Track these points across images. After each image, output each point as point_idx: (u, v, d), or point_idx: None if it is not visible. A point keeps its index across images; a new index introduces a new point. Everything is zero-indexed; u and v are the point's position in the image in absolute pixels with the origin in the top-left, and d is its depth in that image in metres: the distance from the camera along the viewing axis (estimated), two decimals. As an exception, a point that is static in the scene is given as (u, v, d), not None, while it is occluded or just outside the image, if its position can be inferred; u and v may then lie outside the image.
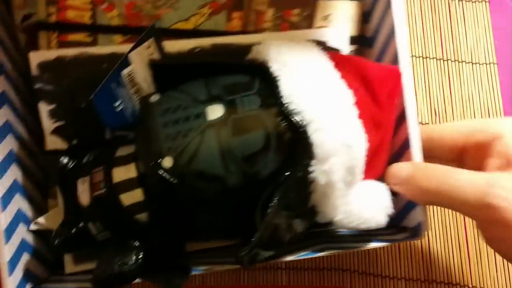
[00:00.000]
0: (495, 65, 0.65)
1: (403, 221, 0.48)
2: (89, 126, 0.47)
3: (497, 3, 0.68)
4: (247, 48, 0.46)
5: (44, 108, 0.48)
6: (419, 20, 0.67)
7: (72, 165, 0.45)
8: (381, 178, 0.45)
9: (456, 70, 0.65)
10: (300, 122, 0.39)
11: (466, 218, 0.59)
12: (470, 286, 0.57)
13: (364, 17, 0.55)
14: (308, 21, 0.52)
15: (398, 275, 0.57)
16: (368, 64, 0.45)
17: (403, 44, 0.47)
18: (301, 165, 0.39)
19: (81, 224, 0.43)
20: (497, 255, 0.58)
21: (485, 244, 0.58)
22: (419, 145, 0.45)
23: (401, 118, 0.46)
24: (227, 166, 0.39)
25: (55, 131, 0.48)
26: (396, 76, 0.46)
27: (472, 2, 0.67)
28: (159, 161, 0.39)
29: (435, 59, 0.65)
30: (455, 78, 0.65)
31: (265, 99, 0.41)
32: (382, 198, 0.44)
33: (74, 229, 0.43)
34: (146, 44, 0.44)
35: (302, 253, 0.44)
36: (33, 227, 0.47)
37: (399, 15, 0.47)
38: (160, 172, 0.39)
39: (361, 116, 0.41)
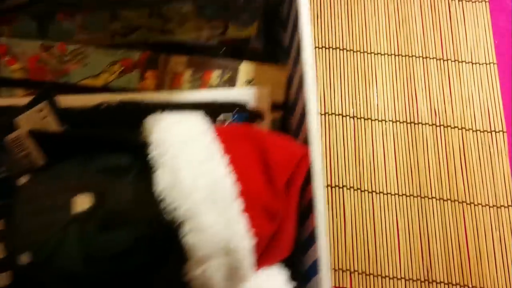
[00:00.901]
0: (495, 65, 0.65)
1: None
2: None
3: (497, 3, 0.68)
4: (154, 106, 0.43)
5: None
6: (419, 20, 0.67)
7: None
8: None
9: (456, 70, 0.65)
10: (174, 221, 0.35)
11: (466, 218, 0.59)
12: (470, 286, 0.57)
13: (288, 83, 0.51)
14: (229, 84, 0.49)
15: (398, 275, 0.57)
16: (274, 144, 0.42)
17: (313, 118, 0.42)
18: (174, 268, 0.36)
19: None
20: (497, 255, 0.58)
21: (485, 244, 0.58)
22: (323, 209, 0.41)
23: (307, 181, 0.42)
24: (89, 265, 0.35)
25: None
26: (302, 160, 0.42)
27: (472, 2, 0.67)
28: (17, 256, 0.36)
29: (435, 59, 0.65)
30: (455, 78, 0.65)
31: (139, 190, 0.37)
32: (279, 286, 0.40)
33: None
34: (38, 107, 0.41)
35: None
36: None
37: (311, 89, 0.43)
38: (19, 265, 0.36)
39: (249, 208, 0.37)
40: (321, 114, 0.63)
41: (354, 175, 0.60)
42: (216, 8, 0.48)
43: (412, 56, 0.65)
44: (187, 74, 0.48)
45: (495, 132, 0.63)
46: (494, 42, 0.66)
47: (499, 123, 0.63)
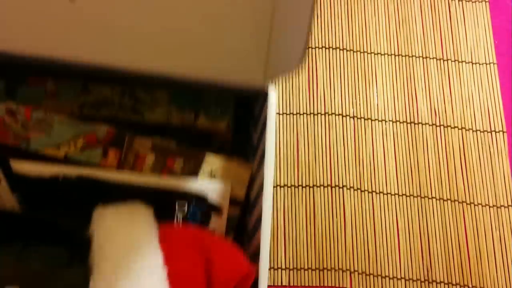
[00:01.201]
0: (495, 65, 0.65)
1: None
2: None
3: (497, 3, 0.68)
4: (114, 186, 0.43)
5: None
6: (419, 20, 0.67)
7: None
8: None
9: (456, 70, 0.65)
10: None
11: (466, 218, 0.59)
12: (470, 286, 0.57)
13: (250, 181, 0.50)
14: (191, 174, 0.48)
15: (398, 275, 0.57)
16: (221, 257, 0.40)
17: (266, 229, 0.41)
18: None
19: None
20: (497, 255, 0.58)
21: (485, 244, 0.58)
22: None
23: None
24: None
25: None
26: (246, 278, 0.41)
27: (472, 2, 0.67)
28: None
29: (435, 59, 0.65)
30: (455, 78, 0.65)
31: None
32: None
33: None
34: None
35: None
36: None
37: (267, 197, 0.41)
38: None
39: None
40: (321, 114, 0.63)
41: (354, 175, 0.60)
42: (189, 98, 0.48)
43: (412, 56, 0.65)
44: (150, 158, 0.47)
45: (495, 132, 0.63)
46: (494, 42, 0.66)
47: (499, 123, 0.63)
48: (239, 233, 0.47)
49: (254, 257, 0.40)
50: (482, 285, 0.57)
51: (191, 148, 0.47)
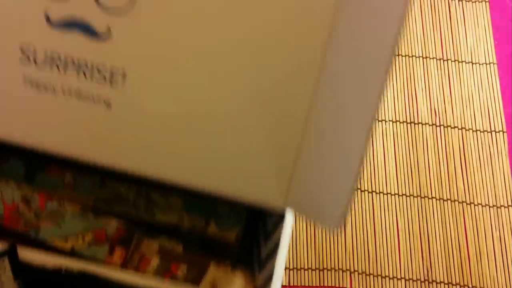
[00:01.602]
0: (495, 65, 0.65)
1: None
2: None
3: (497, 3, 0.68)
4: (115, 285, 0.43)
5: None
6: (419, 20, 0.67)
7: None
8: None
9: (456, 70, 0.65)
10: None
11: (466, 218, 0.59)
12: (470, 286, 0.57)
13: None
14: (192, 282, 0.47)
15: (398, 275, 0.57)
16: None
17: None
18: None
19: None
20: (497, 255, 0.58)
21: (485, 244, 0.58)
22: None
23: None
24: None
25: None
26: None
27: (472, 2, 0.67)
28: None
29: (435, 59, 0.65)
30: (455, 78, 0.65)
31: None
32: None
33: None
34: None
35: None
36: None
37: None
38: None
39: None
40: (321, 114, 0.63)
41: (354, 175, 0.60)
42: (202, 205, 0.48)
43: (412, 56, 0.65)
44: (155, 261, 0.47)
45: (495, 132, 0.63)
46: (494, 42, 0.66)
47: (499, 123, 0.63)
48: None
49: None
50: (482, 285, 0.57)
51: (196, 255, 0.47)
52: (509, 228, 0.59)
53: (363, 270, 0.57)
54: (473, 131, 0.63)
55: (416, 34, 0.66)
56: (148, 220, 0.48)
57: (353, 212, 0.59)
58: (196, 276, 0.47)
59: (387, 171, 0.61)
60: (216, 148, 0.39)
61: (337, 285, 0.56)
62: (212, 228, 0.49)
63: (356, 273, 0.57)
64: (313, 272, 0.56)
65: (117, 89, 0.38)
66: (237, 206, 0.48)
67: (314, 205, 0.37)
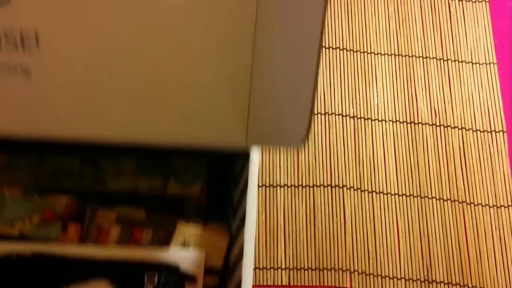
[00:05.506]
0: (495, 65, 0.65)
1: None
2: None
3: (497, 3, 0.68)
4: (74, 261, 0.40)
5: None
6: (419, 20, 0.67)
7: None
8: None
9: (456, 70, 0.65)
10: None
11: (466, 218, 0.59)
12: (470, 286, 0.57)
13: (228, 248, 0.46)
14: (162, 244, 0.45)
15: (398, 275, 0.57)
16: None
17: None
18: None
19: None
20: (497, 255, 0.58)
21: (485, 244, 0.58)
22: None
23: None
24: None
25: None
26: None
27: (472, 2, 0.68)
28: None
29: (435, 59, 0.65)
30: (455, 78, 0.65)
31: None
32: None
33: None
34: None
35: None
36: None
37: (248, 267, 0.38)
38: None
39: None
40: (321, 114, 0.63)
41: (354, 175, 0.60)
42: (157, 165, 0.45)
43: (412, 56, 0.65)
44: (115, 231, 0.44)
45: (495, 132, 0.63)
46: (494, 42, 0.66)
47: (499, 123, 0.63)
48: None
49: None
50: (482, 285, 0.57)
51: (161, 217, 0.44)
52: (509, 228, 0.59)
53: (363, 270, 0.57)
54: (473, 131, 0.63)
55: (416, 34, 0.66)
56: (100, 190, 0.45)
57: (353, 212, 0.59)
58: (163, 238, 0.44)
59: (387, 171, 0.61)
60: (164, 98, 0.35)
61: (337, 285, 0.56)
62: (172, 186, 0.46)
63: (356, 273, 0.57)
64: (313, 272, 0.56)
65: (32, 54, 0.33)
66: (196, 159, 0.46)
67: (276, 134, 0.36)
